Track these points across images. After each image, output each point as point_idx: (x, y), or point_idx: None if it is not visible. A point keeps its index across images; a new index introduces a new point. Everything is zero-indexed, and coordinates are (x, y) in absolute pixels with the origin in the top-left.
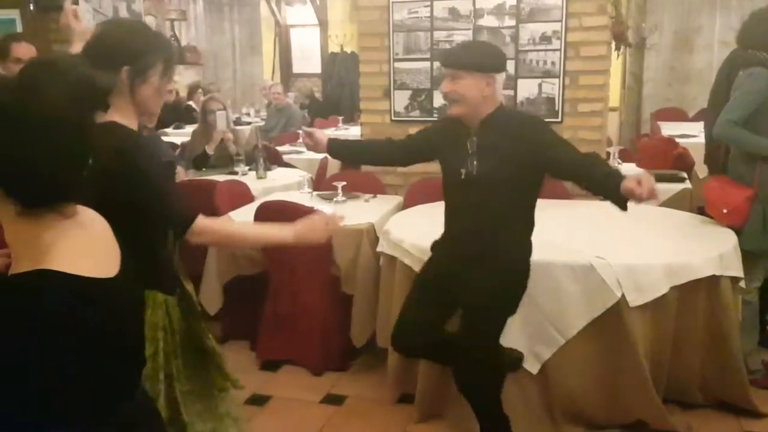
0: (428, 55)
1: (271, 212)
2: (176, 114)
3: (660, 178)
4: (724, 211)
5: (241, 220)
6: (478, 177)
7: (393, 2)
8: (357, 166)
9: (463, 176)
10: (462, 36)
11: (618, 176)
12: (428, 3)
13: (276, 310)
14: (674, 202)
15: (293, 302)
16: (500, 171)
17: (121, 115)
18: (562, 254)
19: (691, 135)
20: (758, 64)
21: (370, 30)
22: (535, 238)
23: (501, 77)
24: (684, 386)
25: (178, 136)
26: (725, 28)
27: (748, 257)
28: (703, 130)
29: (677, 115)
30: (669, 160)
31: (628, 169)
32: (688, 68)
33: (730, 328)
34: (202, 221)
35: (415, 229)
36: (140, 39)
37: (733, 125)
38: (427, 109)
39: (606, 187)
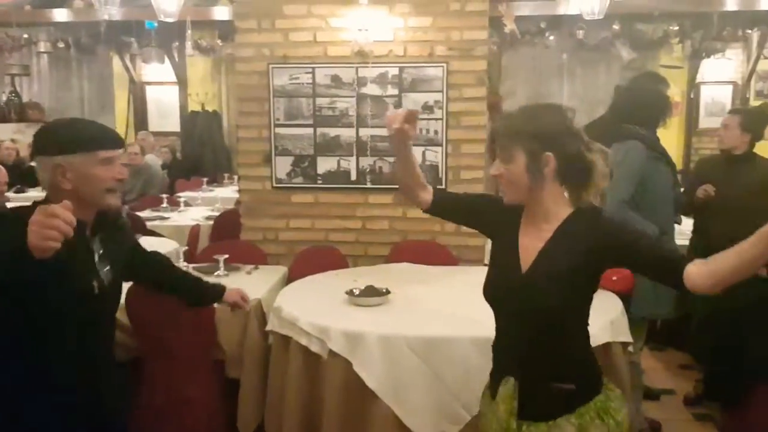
0: (311, 122)
1: (146, 292)
2: (18, 176)
3: None
4: (614, 278)
5: None
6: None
7: (273, 68)
8: None
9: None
10: (345, 104)
11: None
12: (310, 70)
13: (152, 402)
14: None
15: (172, 392)
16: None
17: None
18: (464, 326)
19: None
20: (633, 138)
21: (249, 95)
22: (436, 309)
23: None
24: None
25: (20, 201)
26: (572, 95)
27: (634, 321)
28: None
29: None
30: None
31: None
32: None
33: (625, 392)
34: None
35: (309, 305)
36: None
37: (625, 207)
38: (310, 175)
39: None
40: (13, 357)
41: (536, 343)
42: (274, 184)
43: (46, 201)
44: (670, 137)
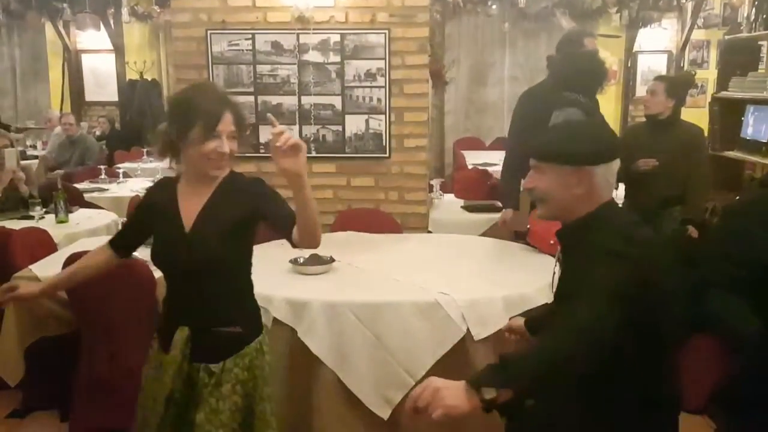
0: (252, 89)
1: None
2: None
3: (479, 208)
4: (551, 241)
5: (45, 274)
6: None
7: (211, 33)
8: None
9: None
10: (286, 70)
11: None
12: (249, 36)
13: (91, 374)
14: (492, 232)
15: (111, 364)
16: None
17: None
18: (408, 292)
19: (493, 163)
20: (572, 105)
21: (187, 62)
22: (380, 276)
23: (605, 170)
24: None
25: None
26: (513, 64)
27: None
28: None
29: (476, 143)
30: (484, 190)
31: (448, 200)
32: (483, 100)
33: None
34: None
35: (253, 274)
36: None
37: None
38: (252, 144)
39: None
40: None
41: (204, 293)
42: None
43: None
44: (608, 105)
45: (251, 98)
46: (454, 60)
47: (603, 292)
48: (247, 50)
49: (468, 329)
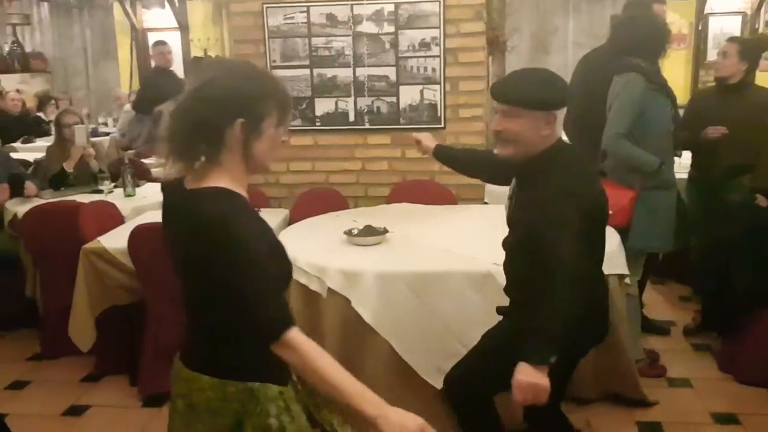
0: (307, 62)
1: (148, 236)
2: (24, 127)
3: None
4: (610, 212)
5: (113, 245)
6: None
7: (267, 7)
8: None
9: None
10: (341, 42)
11: (533, 343)
12: (304, 8)
13: (157, 341)
14: None
15: (177, 332)
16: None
17: (230, 177)
18: (460, 263)
19: None
20: (632, 70)
21: (244, 36)
22: (431, 246)
23: (562, 113)
24: (579, 383)
25: (28, 151)
26: (578, 30)
27: (630, 253)
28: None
29: None
30: None
31: None
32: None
33: (619, 323)
34: (295, 336)
35: (309, 246)
36: (253, 84)
37: (621, 139)
38: (309, 117)
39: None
40: None
41: None
42: None
43: None
44: (678, 70)
45: (306, 71)
46: (515, 27)
47: (569, 228)
48: (302, 23)
49: None
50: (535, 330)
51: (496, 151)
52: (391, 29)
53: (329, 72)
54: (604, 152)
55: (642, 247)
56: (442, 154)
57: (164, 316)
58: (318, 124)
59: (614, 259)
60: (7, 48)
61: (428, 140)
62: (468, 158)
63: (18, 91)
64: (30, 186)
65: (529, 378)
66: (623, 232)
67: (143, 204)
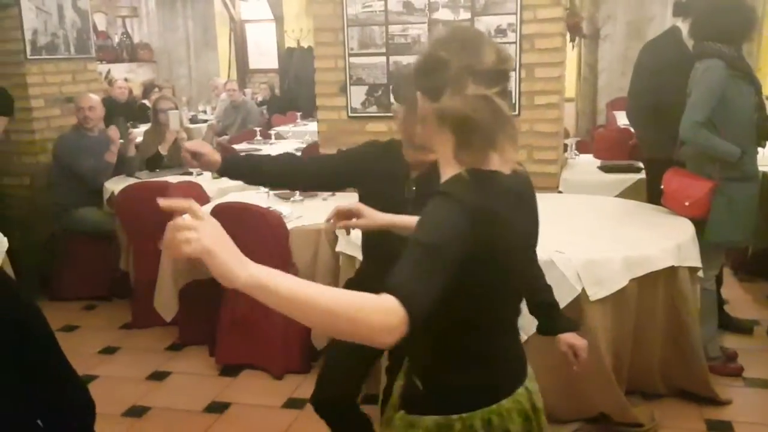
0: (384, 50)
1: (226, 214)
2: (130, 113)
3: (616, 169)
4: (686, 203)
5: None
6: None
7: None
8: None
9: None
10: (417, 30)
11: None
12: None
13: (233, 314)
14: (630, 193)
15: (251, 306)
16: None
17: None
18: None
19: None
20: (714, 56)
21: (324, 25)
22: None
23: None
24: (646, 377)
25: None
26: (677, 18)
27: (707, 247)
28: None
29: None
30: (625, 151)
31: (585, 160)
32: None
33: (690, 318)
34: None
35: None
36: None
37: (699, 127)
38: (384, 104)
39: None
40: None
41: None
42: (350, 114)
43: None
44: None
45: (383, 59)
46: (609, 15)
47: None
48: (379, 11)
49: (583, 289)
50: (550, 303)
51: (425, 158)
52: (467, 16)
53: (405, 59)
54: (681, 141)
55: (719, 240)
56: (231, 168)
57: (239, 292)
58: None
59: (686, 250)
60: (117, 39)
61: (210, 152)
62: (266, 168)
63: (126, 79)
64: (113, 129)
65: (581, 343)
66: (701, 225)
67: (228, 186)
